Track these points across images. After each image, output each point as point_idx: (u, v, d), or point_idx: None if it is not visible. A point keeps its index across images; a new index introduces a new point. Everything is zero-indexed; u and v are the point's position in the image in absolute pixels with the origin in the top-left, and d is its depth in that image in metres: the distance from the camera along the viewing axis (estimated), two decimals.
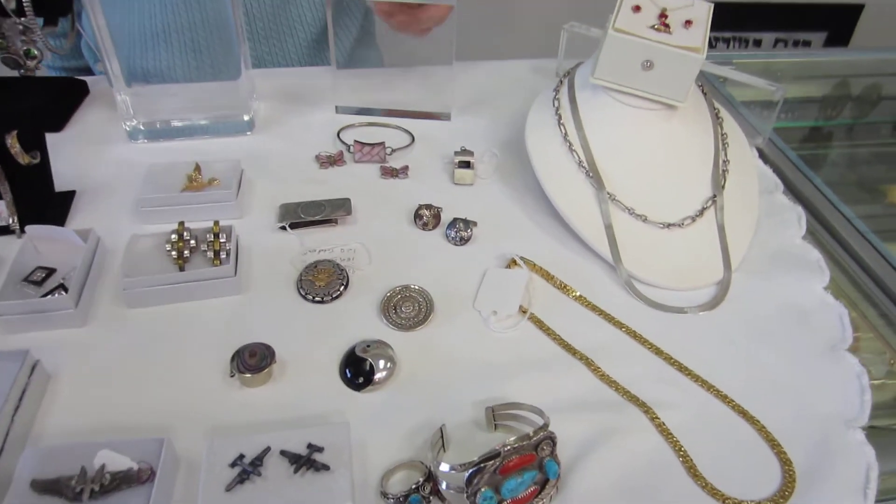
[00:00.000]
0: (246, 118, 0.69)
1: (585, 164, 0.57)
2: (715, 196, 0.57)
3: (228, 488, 0.37)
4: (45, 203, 0.58)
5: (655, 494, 0.41)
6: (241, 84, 0.66)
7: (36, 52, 0.68)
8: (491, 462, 0.37)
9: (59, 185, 0.61)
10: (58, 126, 0.70)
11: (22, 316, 0.49)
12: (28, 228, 0.53)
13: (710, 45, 0.54)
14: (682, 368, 0.48)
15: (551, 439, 0.39)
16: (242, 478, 0.38)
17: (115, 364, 0.47)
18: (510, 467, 0.38)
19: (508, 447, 0.37)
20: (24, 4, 0.63)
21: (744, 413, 0.45)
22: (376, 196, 0.62)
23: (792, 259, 0.57)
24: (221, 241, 0.53)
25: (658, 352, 0.49)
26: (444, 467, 0.38)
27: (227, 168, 0.61)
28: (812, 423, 0.45)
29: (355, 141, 0.65)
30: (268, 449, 0.39)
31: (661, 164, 0.57)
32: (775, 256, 0.57)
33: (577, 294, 0.53)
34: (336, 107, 0.73)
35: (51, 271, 0.52)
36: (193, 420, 0.44)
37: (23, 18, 0.64)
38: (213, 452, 0.39)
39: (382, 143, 0.65)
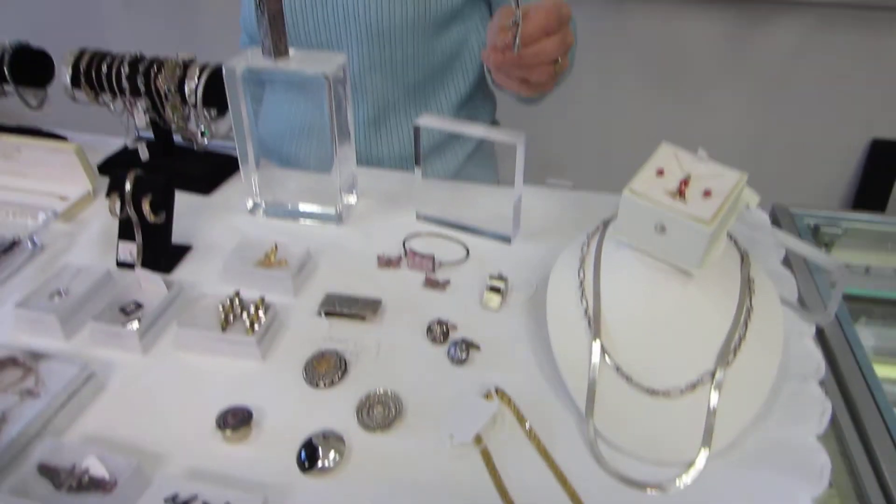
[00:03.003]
0: (333, 211, 0.80)
1: (590, 313, 0.58)
2: (715, 371, 0.54)
3: None
4: (162, 252, 0.74)
5: None
6: (333, 180, 0.78)
7: (208, 134, 0.87)
8: None
9: (183, 238, 0.78)
10: (207, 191, 0.88)
11: (105, 336, 0.63)
12: (137, 270, 0.69)
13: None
14: None
15: None
16: None
17: (151, 392, 0.59)
18: None
19: None
20: (198, 100, 0.82)
21: None
22: (410, 303, 0.68)
23: (791, 458, 0.52)
24: (260, 314, 0.64)
25: None
26: None
27: (299, 253, 0.72)
28: None
29: (410, 249, 0.73)
30: (195, 496, 0.47)
31: (666, 329, 0.56)
32: (772, 449, 0.53)
33: (539, 442, 0.54)
34: (416, 213, 0.81)
35: (140, 306, 0.67)
36: (178, 455, 0.53)
37: (196, 108, 0.83)
38: (157, 486, 0.48)
39: (432, 257, 0.72)
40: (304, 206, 0.83)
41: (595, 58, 1.66)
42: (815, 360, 0.60)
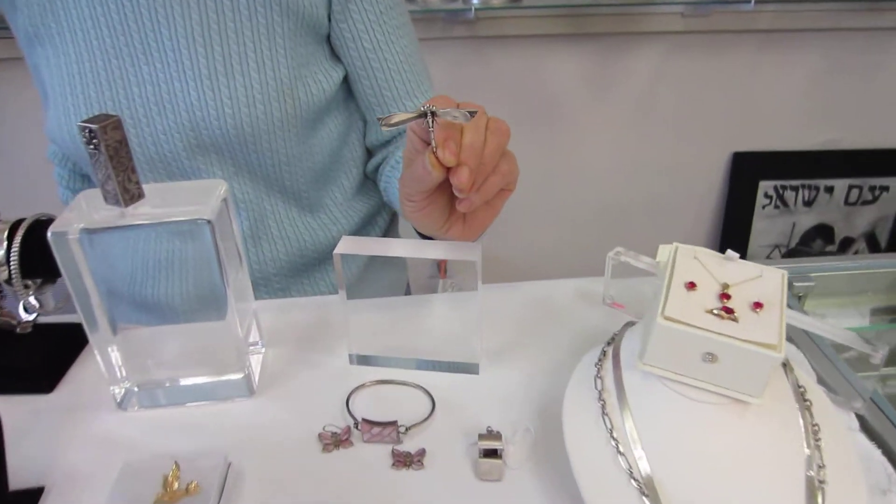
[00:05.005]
0: (240, 376, 0.61)
1: (639, 476, 0.45)
2: None
3: None
4: None
5: None
6: (231, 334, 0.58)
7: (32, 308, 0.64)
8: None
9: (28, 476, 0.54)
10: (48, 387, 0.63)
11: None
12: None
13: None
14: None
15: None
16: None
17: None
18: None
19: None
20: (12, 273, 0.59)
21: None
22: (383, 499, 0.51)
23: None
24: None
25: None
26: None
27: (212, 465, 0.52)
28: None
29: (363, 420, 0.56)
30: None
31: (735, 476, 0.44)
32: None
33: None
34: (349, 355, 0.64)
35: None
36: None
37: (12, 282, 0.60)
38: None
39: (395, 424, 0.55)
40: (194, 379, 0.62)
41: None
42: (880, 465, 0.52)
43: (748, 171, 1.67)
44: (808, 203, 1.70)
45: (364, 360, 0.64)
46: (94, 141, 0.50)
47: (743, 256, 0.48)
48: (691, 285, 0.45)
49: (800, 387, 0.49)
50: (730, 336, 0.42)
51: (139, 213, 0.54)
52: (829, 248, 1.75)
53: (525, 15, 1.44)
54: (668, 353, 0.45)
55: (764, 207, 1.69)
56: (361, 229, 0.85)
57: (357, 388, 0.61)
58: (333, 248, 0.81)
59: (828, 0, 1.48)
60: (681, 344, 0.44)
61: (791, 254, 1.73)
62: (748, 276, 0.46)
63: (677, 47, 1.56)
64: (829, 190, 1.69)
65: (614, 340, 0.53)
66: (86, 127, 0.49)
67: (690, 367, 0.45)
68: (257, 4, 0.67)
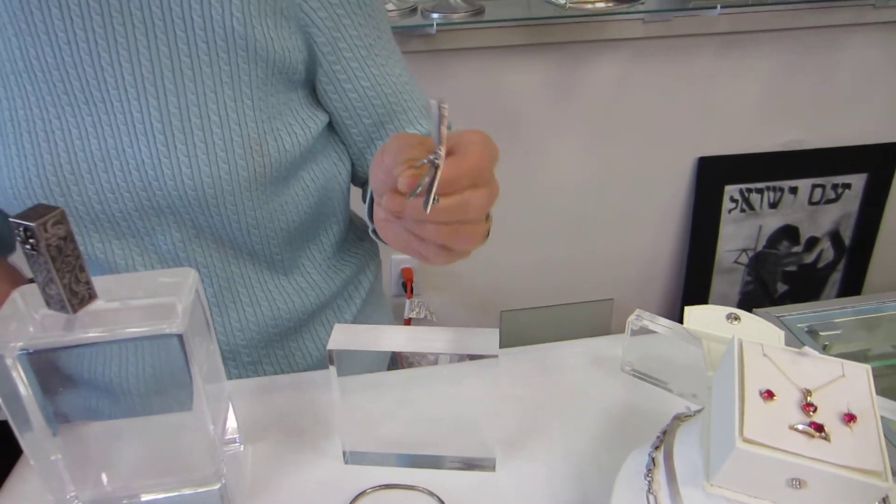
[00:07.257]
0: (214, 488, 0.51)
1: None
2: None
3: None
4: None
5: None
6: (200, 425, 0.49)
7: None
8: None
9: None
10: None
11: None
12: None
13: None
14: None
15: None
16: None
17: None
18: None
19: None
20: None
21: None
22: None
23: None
24: None
25: None
26: None
27: None
28: None
29: None
30: None
31: None
32: None
33: None
34: (344, 453, 0.56)
35: None
36: None
37: None
38: None
39: None
40: (157, 495, 0.52)
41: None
42: None
43: (714, 175, 1.64)
44: (774, 205, 1.69)
45: (360, 458, 0.56)
46: (32, 240, 0.40)
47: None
48: (769, 394, 0.39)
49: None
50: (824, 461, 0.36)
51: (91, 315, 0.44)
52: (795, 248, 1.75)
53: (486, 26, 1.37)
54: (745, 476, 0.38)
55: (730, 212, 1.67)
56: (343, 291, 0.75)
57: (357, 498, 0.53)
58: (311, 314, 0.73)
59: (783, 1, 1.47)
60: (762, 468, 0.37)
61: (758, 258, 1.73)
62: (830, 377, 0.40)
63: (639, 54, 1.51)
64: (794, 190, 1.68)
65: (663, 442, 0.46)
66: (20, 224, 0.39)
67: (771, 491, 0.38)
68: (219, 50, 0.57)
